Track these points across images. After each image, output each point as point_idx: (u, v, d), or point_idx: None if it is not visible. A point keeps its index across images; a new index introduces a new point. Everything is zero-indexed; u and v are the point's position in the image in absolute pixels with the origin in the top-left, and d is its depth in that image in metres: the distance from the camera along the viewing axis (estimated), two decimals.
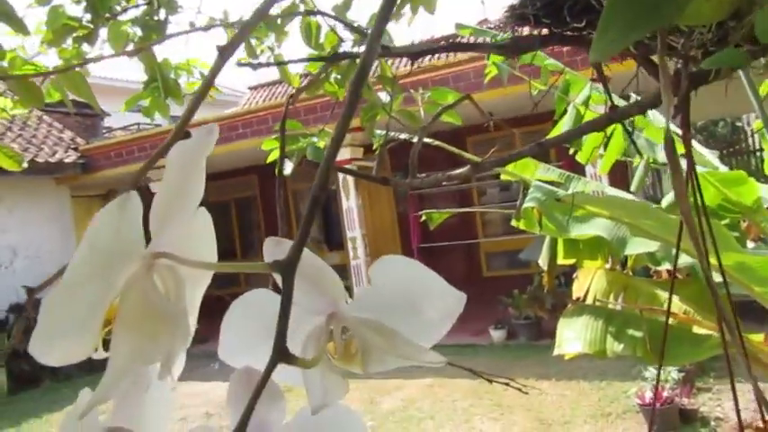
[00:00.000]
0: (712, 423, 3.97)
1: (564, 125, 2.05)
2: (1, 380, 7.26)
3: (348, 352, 0.43)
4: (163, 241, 0.37)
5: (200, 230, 0.42)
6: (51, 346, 0.33)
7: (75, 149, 9.13)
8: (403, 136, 1.94)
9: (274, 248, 0.41)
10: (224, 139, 7.48)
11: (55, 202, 9.10)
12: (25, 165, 1.39)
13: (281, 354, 0.35)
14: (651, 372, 4.34)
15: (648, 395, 4.04)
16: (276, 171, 1.27)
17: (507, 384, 0.83)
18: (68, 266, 0.33)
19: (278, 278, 0.39)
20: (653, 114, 2.40)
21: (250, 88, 16.17)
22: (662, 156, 2.00)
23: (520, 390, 0.87)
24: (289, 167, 1.54)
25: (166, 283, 0.37)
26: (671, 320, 1.84)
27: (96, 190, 9.59)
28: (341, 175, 7.26)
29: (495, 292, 7.25)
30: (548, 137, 0.83)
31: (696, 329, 1.77)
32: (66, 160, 8.76)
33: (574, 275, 2.49)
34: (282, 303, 0.35)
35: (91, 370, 7.43)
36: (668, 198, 1.98)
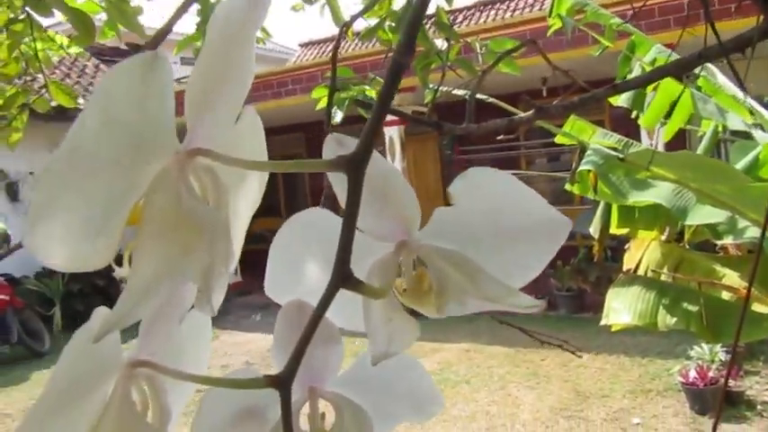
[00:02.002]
0: (759, 407, 3.84)
1: None
2: (56, 318, 7.63)
3: (420, 289, 0.35)
4: (201, 135, 0.29)
5: (247, 133, 0.34)
6: (59, 243, 0.26)
7: None
8: (456, 91, 1.87)
9: (336, 147, 0.33)
10: (273, 94, 7.49)
11: None
12: (81, 101, 1.40)
13: (343, 278, 0.29)
14: (696, 351, 4.22)
15: (693, 374, 3.92)
16: (326, 121, 1.23)
17: (560, 347, 0.79)
18: (70, 144, 0.25)
19: (338, 188, 0.32)
20: (724, 81, 2.25)
21: (301, 45, 16.11)
22: (733, 123, 1.88)
23: (573, 353, 0.83)
24: (339, 116, 1.51)
25: (204, 188, 0.30)
26: (729, 296, 1.75)
27: None
28: (387, 137, 7.19)
29: None
30: (623, 80, 0.76)
31: (756, 307, 1.67)
32: None
33: (626, 246, 2.40)
34: (347, 211, 0.28)
35: None
36: (744, 161, 1.85)
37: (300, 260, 0.38)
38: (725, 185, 1.01)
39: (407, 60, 0.30)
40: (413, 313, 0.36)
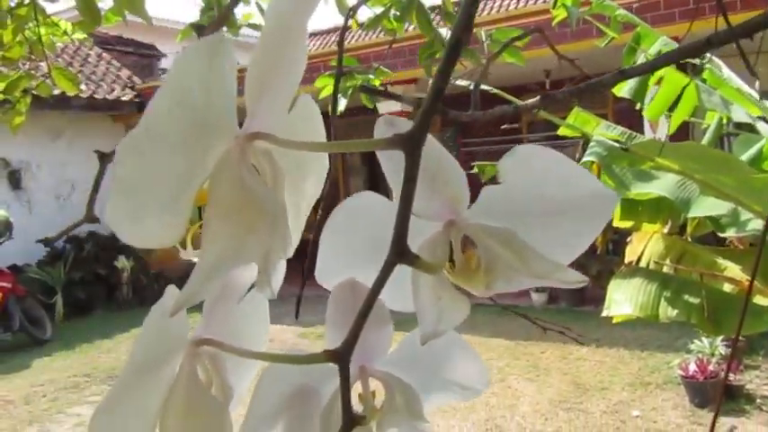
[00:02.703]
0: (758, 400, 3.85)
1: (632, 80, 1.93)
2: (58, 306, 7.66)
3: (468, 267, 0.35)
4: (259, 120, 0.30)
5: (303, 119, 0.35)
6: (134, 218, 0.27)
7: (132, 88, 9.30)
8: (460, 82, 1.87)
9: (388, 128, 0.33)
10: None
11: (111, 139, 9.34)
12: (83, 87, 1.39)
13: (400, 253, 0.29)
14: (696, 344, 4.23)
15: (692, 367, 3.93)
16: (330, 111, 1.23)
17: (561, 333, 0.79)
18: (145, 123, 0.26)
19: (389, 167, 0.32)
20: (729, 74, 2.24)
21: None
22: (737, 115, 1.87)
23: (575, 340, 0.83)
24: (342, 104, 1.50)
25: (263, 172, 0.31)
26: (731, 289, 1.75)
27: None
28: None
29: None
30: (629, 67, 0.76)
31: (758, 300, 1.68)
32: (123, 98, 8.95)
33: (628, 239, 2.40)
34: (405, 187, 0.28)
35: (142, 303, 7.77)
36: (748, 154, 1.84)
37: (351, 244, 0.38)
38: (729, 177, 1.00)
39: (467, 36, 0.30)
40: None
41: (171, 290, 0.30)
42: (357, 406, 0.37)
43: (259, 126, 0.31)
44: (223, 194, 0.29)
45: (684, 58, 0.66)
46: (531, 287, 0.36)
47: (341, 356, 0.30)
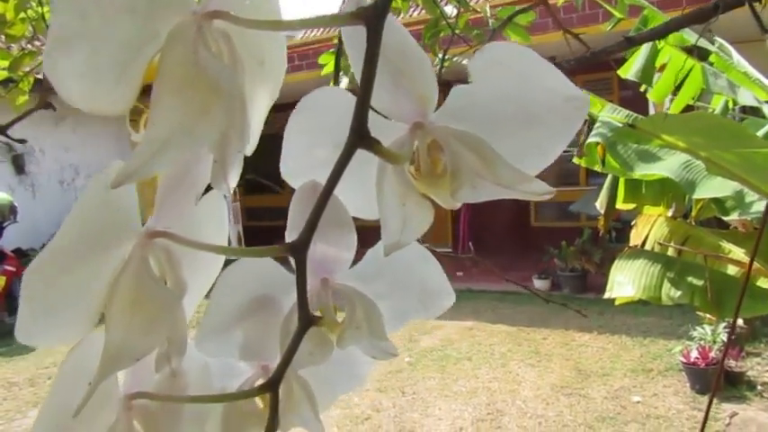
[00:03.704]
0: (759, 387, 3.86)
1: (637, 60, 1.92)
2: None
3: (434, 172, 0.33)
4: (219, 1, 0.29)
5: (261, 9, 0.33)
6: (70, 76, 0.26)
7: None
8: (466, 62, 1.85)
9: (353, 4, 0.30)
10: None
11: (114, 124, 9.33)
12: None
13: (360, 137, 0.28)
14: (698, 331, 4.23)
15: (694, 354, 3.94)
16: (333, 82, 1.23)
17: (578, 312, 0.79)
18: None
19: (354, 50, 0.31)
20: (738, 58, 2.23)
21: None
22: (744, 98, 1.86)
23: (579, 312, 0.83)
24: (344, 82, 1.50)
25: (220, 54, 0.30)
26: (735, 272, 1.75)
27: None
28: None
29: (542, 243, 7.15)
30: (636, 34, 0.75)
31: (762, 283, 1.67)
32: None
33: (632, 223, 2.40)
34: (366, 66, 0.27)
35: None
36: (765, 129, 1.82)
37: (315, 141, 0.37)
38: (736, 154, 1.00)
39: None
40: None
41: (115, 163, 0.29)
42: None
43: (218, 5, 0.29)
44: (174, 67, 0.27)
45: (693, 23, 0.65)
46: (496, 197, 0.34)
47: (297, 248, 0.30)
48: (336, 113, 0.34)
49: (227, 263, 0.39)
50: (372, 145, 0.29)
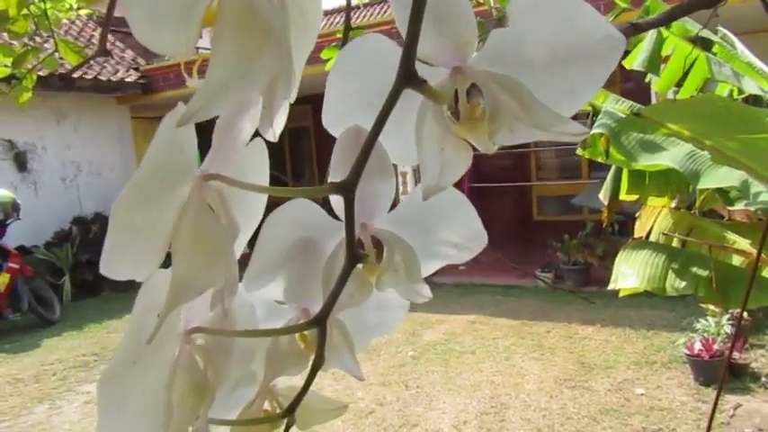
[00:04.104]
0: (763, 379, 3.86)
1: (643, 49, 1.91)
2: (66, 287, 7.72)
3: (473, 115, 0.33)
4: None
5: None
6: (148, 18, 0.28)
7: (137, 69, 9.27)
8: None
9: None
10: None
11: (116, 121, 9.34)
12: (88, 52, 1.39)
13: (408, 76, 0.28)
14: (702, 323, 4.23)
15: (698, 346, 3.94)
16: None
17: (585, 299, 0.78)
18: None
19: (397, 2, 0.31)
20: (742, 48, 2.21)
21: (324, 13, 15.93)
22: (749, 87, 1.85)
23: (587, 299, 0.82)
24: None
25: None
26: (740, 262, 1.74)
27: (155, 112, 9.77)
28: None
29: (545, 237, 7.15)
30: (645, 20, 0.74)
31: (766, 273, 1.67)
32: (128, 79, 8.92)
33: (636, 215, 2.39)
34: (414, 5, 0.27)
35: None
36: None
37: (358, 89, 0.37)
38: (743, 142, 0.99)
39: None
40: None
41: (180, 105, 0.31)
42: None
43: None
44: (232, 11, 0.29)
45: (700, 8, 0.65)
46: (533, 139, 0.34)
47: (346, 187, 0.31)
48: (378, 59, 0.35)
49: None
50: (420, 84, 0.29)
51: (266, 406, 0.40)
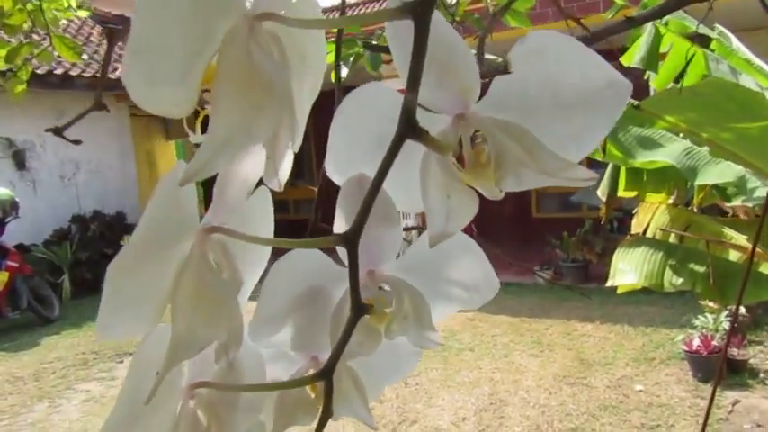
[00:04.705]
0: (761, 375, 3.87)
1: (641, 46, 1.91)
2: (65, 286, 7.72)
3: (478, 162, 0.33)
4: (267, 3, 0.31)
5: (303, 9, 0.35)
6: (147, 81, 0.28)
7: None
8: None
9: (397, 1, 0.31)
10: None
11: (115, 119, 9.32)
12: (85, 57, 1.38)
13: (409, 127, 0.28)
14: (701, 320, 4.24)
15: (696, 342, 3.95)
16: (335, 73, 1.22)
17: (582, 294, 0.78)
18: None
19: (397, 44, 0.31)
20: (738, 45, 2.22)
21: (324, 11, 15.93)
22: (746, 84, 1.85)
23: (585, 295, 0.82)
24: (344, 72, 1.49)
25: (270, 54, 0.31)
26: (737, 258, 1.75)
27: None
28: None
29: (544, 234, 7.15)
30: (641, 12, 0.74)
31: (764, 269, 1.67)
32: None
33: (633, 211, 2.39)
34: (414, 59, 0.27)
35: None
36: None
37: (361, 137, 0.37)
38: (740, 133, 0.98)
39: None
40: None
41: (181, 163, 0.31)
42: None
43: (267, 6, 0.30)
44: (231, 69, 0.29)
45: (696, 0, 0.65)
46: (540, 185, 0.34)
47: (349, 239, 0.31)
48: (381, 109, 0.35)
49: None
50: (422, 135, 0.29)
51: None
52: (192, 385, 0.36)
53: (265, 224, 0.40)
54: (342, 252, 0.34)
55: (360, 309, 0.32)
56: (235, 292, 0.34)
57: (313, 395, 0.40)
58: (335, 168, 0.38)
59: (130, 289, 0.32)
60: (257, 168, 0.35)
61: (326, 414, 0.34)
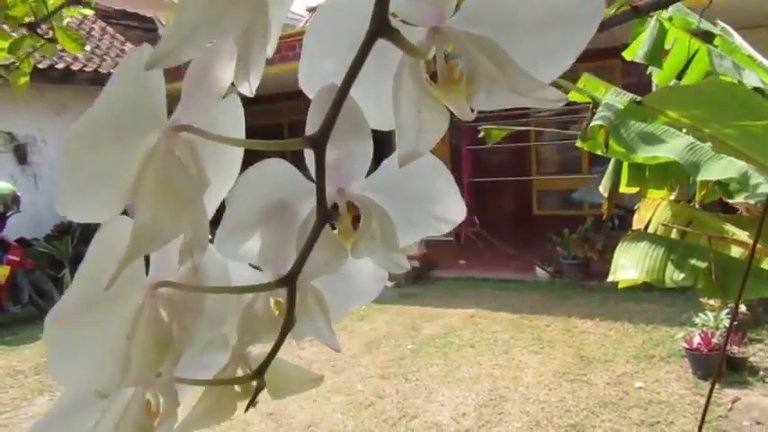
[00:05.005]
0: (761, 372, 3.87)
1: (643, 42, 1.91)
2: (66, 280, 7.72)
3: (451, 77, 0.33)
4: None
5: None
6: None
7: None
8: None
9: None
10: (281, 58, 7.40)
11: None
12: (87, 48, 1.38)
13: (381, 26, 0.27)
14: (701, 317, 4.24)
15: (696, 340, 3.95)
16: None
17: (582, 286, 0.78)
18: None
19: None
20: (741, 41, 2.21)
21: (309, 10, 15.90)
22: (750, 80, 1.85)
23: (587, 290, 0.82)
24: None
25: None
26: (738, 253, 1.75)
27: None
28: None
29: (545, 231, 7.15)
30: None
31: (765, 265, 1.67)
32: None
33: (635, 207, 2.39)
34: None
35: None
36: None
37: (333, 47, 0.35)
38: (743, 130, 0.98)
39: None
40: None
41: (146, 46, 0.29)
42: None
43: None
44: None
45: None
46: (511, 105, 0.33)
47: (316, 141, 0.30)
48: (354, 16, 0.34)
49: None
50: (393, 34, 0.28)
51: (239, 372, 0.40)
52: (156, 284, 0.35)
53: (236, 133, 0.38)
54: (311, 162, 0.34)
55: (325, 216, 0.31)
56: (201, 191, 0.33)
57: (277, 312, 0.39)
58: (308, 79, 0.37)
59: (91, 167, 0.31)
60: (228, 70, 0.34)
61: (288, 323, 0.33)
